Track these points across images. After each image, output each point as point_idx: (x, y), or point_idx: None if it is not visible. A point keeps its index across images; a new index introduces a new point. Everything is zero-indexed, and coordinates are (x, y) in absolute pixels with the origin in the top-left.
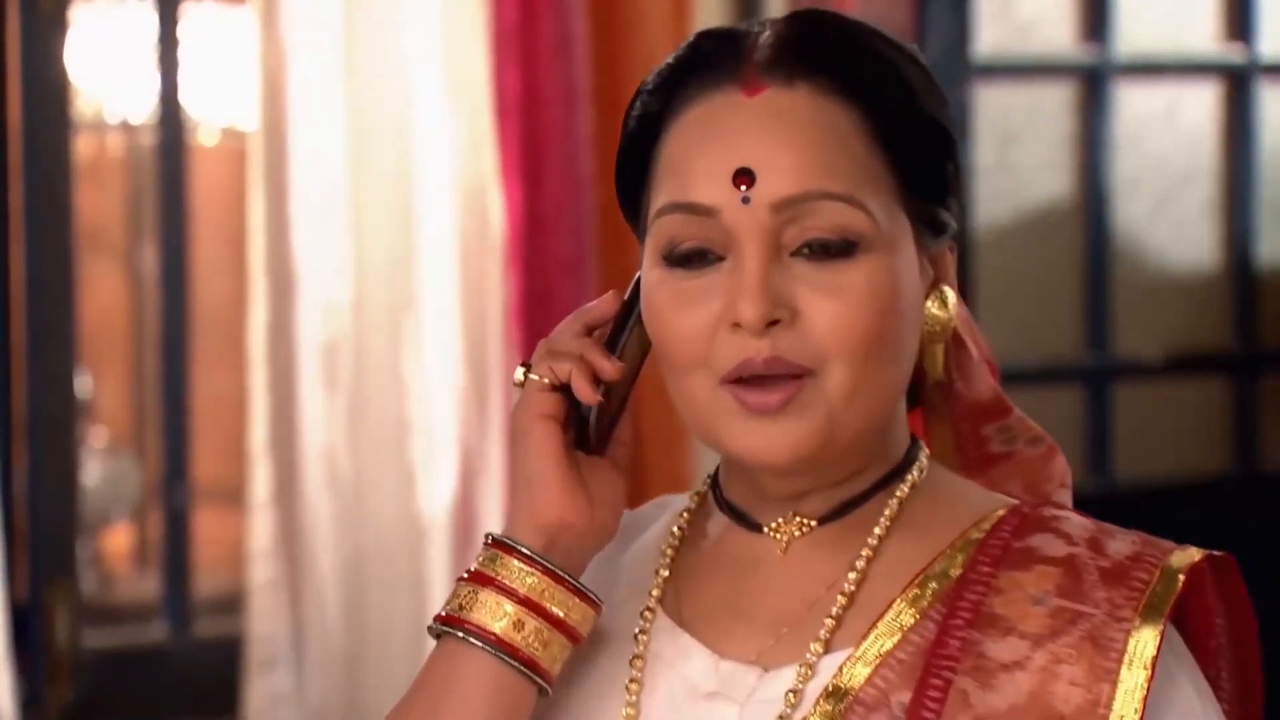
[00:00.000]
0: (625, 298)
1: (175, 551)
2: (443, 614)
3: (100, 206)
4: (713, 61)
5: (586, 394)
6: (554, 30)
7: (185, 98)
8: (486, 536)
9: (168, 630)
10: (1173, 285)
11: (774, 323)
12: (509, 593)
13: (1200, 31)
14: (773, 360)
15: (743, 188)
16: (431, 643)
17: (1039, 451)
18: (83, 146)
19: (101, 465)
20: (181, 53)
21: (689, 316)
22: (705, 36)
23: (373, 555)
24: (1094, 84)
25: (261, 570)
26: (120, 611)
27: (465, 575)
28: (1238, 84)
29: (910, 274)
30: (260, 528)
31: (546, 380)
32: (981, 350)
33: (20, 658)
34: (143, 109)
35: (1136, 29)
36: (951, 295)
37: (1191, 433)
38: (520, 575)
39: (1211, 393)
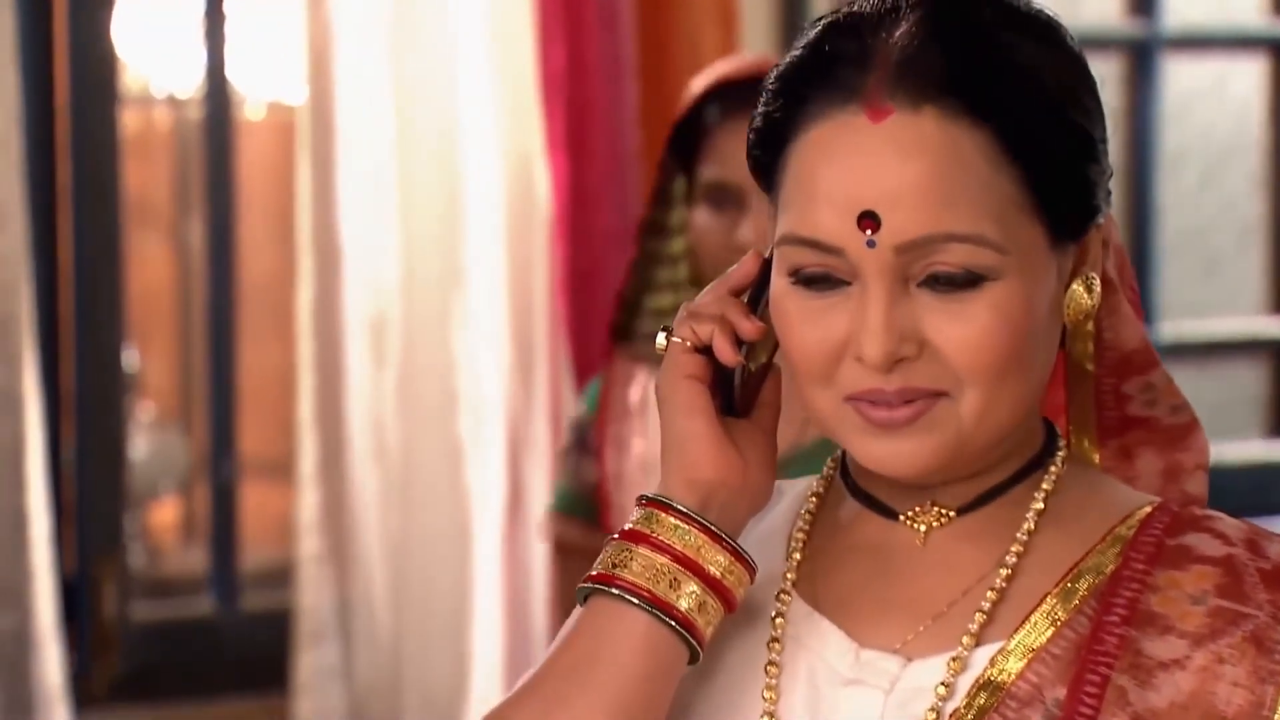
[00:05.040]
0: (766, 255)
1: (223, 525)
2: (593, 573)
3: (147, 181)
4: (836, 72)
5: (728, 354)
6: (599, 3)
7: (232, 72)
8: (640, 498)
9: (215, 604)
10: (1219, 259)
11: (900, 360)
12: (665, 549)
13: (1247, 4)
14: (904, 390)
15: (868, 231)
16: (477, 616)
17: (1180, 421)
18: (130, 121)
19: (149, 439)
20: (228, 26)
21: (815, 332)
22: (831, 34)
23: (419, 529)
24: (1142, 57)
25: (309, 544)
26: (168, 585)
27: (617, 535)
28: None
29: (1044, 288)
30: (307, 501)
31: (689, 343)
32: (1133, 295)
33: (69, 631)
34: (190, 83)
35: (1184, 2)
36: (1097, 281)
37: (1233, 412)
38: (677, 532)
39: (1257, 371)
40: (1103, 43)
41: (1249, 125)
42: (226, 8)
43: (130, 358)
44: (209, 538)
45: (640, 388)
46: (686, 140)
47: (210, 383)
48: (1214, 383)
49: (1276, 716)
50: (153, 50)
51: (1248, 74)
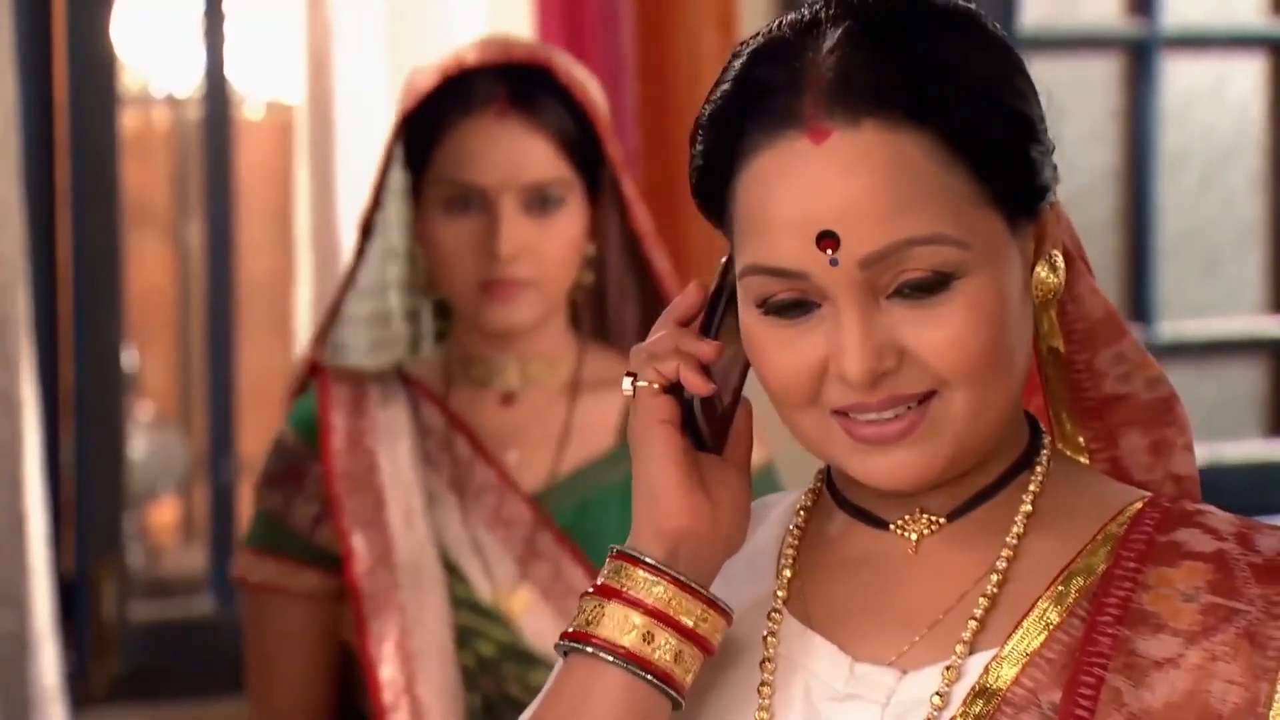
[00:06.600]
0: (714, 284)
1: (221, 525)
2: (569, 630)
3: (146, 181)
4: (770, 100)
5: (698, 385)
6: (599, 3)
7: (231, 71)
8: (611, 549)
9: (214, 603)
10: (1219, 259)
11: (882, 374)
12: (636, 604)
13: (1247, 4)
14: (888, 399)
15: (829, 251)
16: None
17: (1158, 396)
18: (129, 121)
19: (148, 439)
20: (227, 26)
21: (793, 358)
22: (758, 62)
23: None
24: (1141, 57)
25: None
26: (167, 585)
27: (590, 590)
28: None
29: (1012, 275)
30: None
31: (656, 385)
32: (1089, 265)
33: (67, 631)
34: (188, 83)
35: (1183, 2)
36: (1060, 258)
37: (1232, 412)
38: (647, 586)
39: (1256, 371)
40: (1102, 42)
41: (1249, 125)
42: (226, 8)
43: (129, 358)
44: (208, 538)
45: (370, 417)
46: (417, 134)
47: (209, 383)
48: (1213, 382)
49: (1272, 713)
50: (152, 50)
51: (1247, 74)
